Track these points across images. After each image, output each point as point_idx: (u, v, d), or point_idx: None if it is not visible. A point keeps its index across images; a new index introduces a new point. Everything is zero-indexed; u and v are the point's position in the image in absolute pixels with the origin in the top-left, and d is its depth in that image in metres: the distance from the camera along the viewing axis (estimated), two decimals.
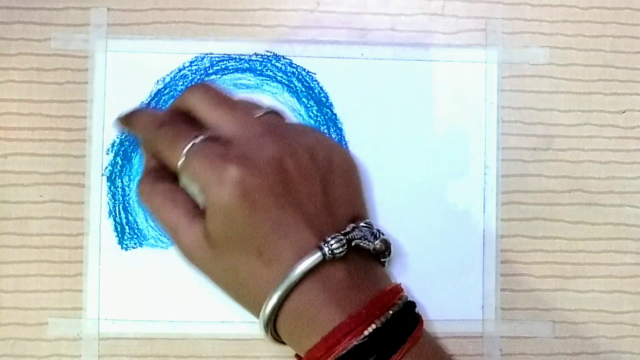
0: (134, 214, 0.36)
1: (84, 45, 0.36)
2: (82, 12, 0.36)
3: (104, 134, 0.36)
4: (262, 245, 0.28)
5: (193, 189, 0.30)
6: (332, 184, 0.30)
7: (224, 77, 0.36)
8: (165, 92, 0.36)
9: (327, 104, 0.37)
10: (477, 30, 0.37)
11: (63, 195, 0.36)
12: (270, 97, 0.36)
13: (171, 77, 0.36)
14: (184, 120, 0.31)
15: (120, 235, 0.36)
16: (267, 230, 0.28)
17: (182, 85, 0.36)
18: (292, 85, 0.36)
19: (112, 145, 0.36)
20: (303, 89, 0.36)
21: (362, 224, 0.30)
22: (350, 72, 0.37)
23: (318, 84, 0.37)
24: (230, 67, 0.36)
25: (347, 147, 0.36)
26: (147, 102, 0.36)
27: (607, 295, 0.37)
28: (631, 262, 0.37)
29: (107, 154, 0.36)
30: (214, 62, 0.36)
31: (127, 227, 0.36)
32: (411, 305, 0.30)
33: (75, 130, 0.36)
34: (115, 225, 0.36)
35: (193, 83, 0.36)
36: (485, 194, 0.36)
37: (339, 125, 0.36)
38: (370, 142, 0.36)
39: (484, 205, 0.36)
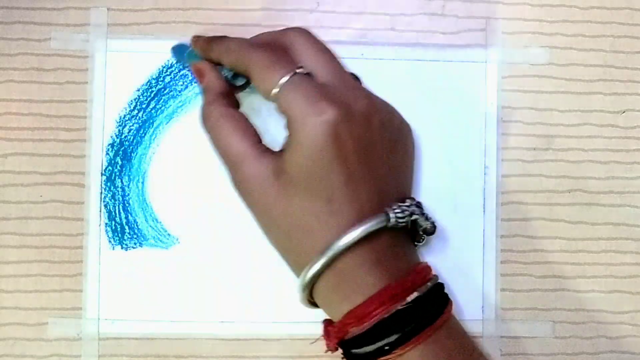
0: (133, 214, 0.36)
1: (83, 45, 0.36)
2: (82, 12, 0.36)
3: (103, 134, 0.36)
4: (334, 193, 0.29)
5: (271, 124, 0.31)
6: (397, 154, 0.31)
7: None
8: (165, 92, 0.36)
9: None
10: (477, 30, 0.37)
11: (63, 195, 0.36)
12: None
13: (171, 77, 0.36)
14: (280, 49, 0.31)
15: (120, 235, 0.36)
16: (343, 178, 0.29)
17: (182, 85, 0.36)
18: None
19: (112, 145, 0.36)
20: None
21: (415, 202, 0.31)
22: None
23: None
24: None
25: None
26: (147, 102, 0.36)
27: (607, 295, 0.37)
28: (631, 262, 0.37)
29: (107, 154, 0.36)
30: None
31: (127, 227, 0.36)
32: (442, 285, 0.31)
33: (75, 130, 0.36)
34: (115, 225, 0.36)
35: (193, 83, 0.36)
36: (485, 194, 0.36)
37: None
38: None
39: (484, 205, 0.36)
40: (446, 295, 0.31)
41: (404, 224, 0.29)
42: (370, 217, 0.29)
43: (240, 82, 0.33)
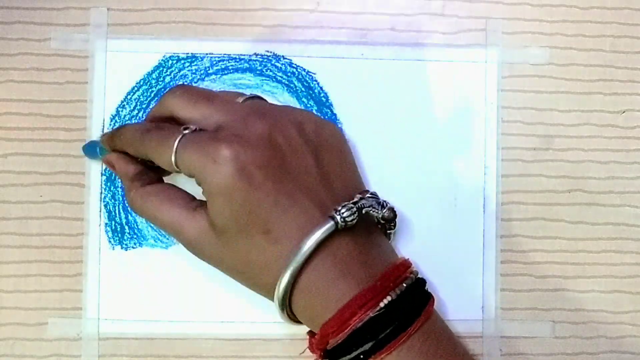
0: (133, 214, 0.36)
1: (83, 45, 0.36)
2: (82, 12, 0.36)
3: (103, 133, 0.36)
4: (266, 223, 0.28)
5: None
6: (324, 158, 0.30)
7: (224, 77, 0.36)
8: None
9: (327, 104, 0.37)
10: (477, 30, 0.37)
11: (63, 195, 0.36)
12: (270, 97, 0.36)
13: (171, 77, 0.36)
14: (167, 123, 0.31)
15: (120, 235, 0.36)
16: (268, 206, 0.28)
17: None
18: (292, 85, 0.36)
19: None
20: (303, 89, 0.36)
21: (367, 195, 0.30)
22: (350, 72, 0.37)
23: (318, 84, 0.37)
24: (230, 67, 0.36)
25: None
26: (147, 102, 0.36)
27: (607, 295, 0.36)
28: (631, 262, 0.37)
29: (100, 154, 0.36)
30: (214, 62, 0.36)
31: (126, 227, 0.36)
32: (422, 281, 0.30)
33: (75, 130, 0.36)
34: (115, 225, 0.36)
35: (193, 83, 0.36)
36: (485, 194, 0.36)
37: (339, 125, 0.36)
38: (370, 142, 0.36)
39: (484, 205, 0.36)
40: (426, 292, 0.30)
41: (353, 221, 0.28)
42: (317, 226, 0.28)
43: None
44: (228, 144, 0.28)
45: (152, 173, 0.33)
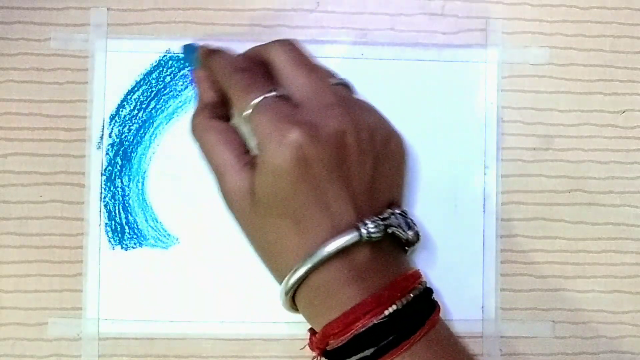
0: (133, 214, 0.36)
1: (83, 45, 0.36)
2: (82, 12, 0.36)
3: (103, 133, 0.36)
4: (300, 214, 0.29)
5: (251, 140, 0.30)
6: (382, 168, 0.31)
7: None
8: (165, 92, 0.36)
9: None
10: (477, 30, 0.37)
11: (63, 195, 0.36)
12: None
13: (171, 77, 0.36)
14: (261, 69, 0.31)
15: (120, 235, 0.36)
16: (310, 200, 0.28)
17: (182, 85, 0.36)
18: None
19: (112, 145, 0.36)
20: None
21: (398, 211, 0.30)
22: (350, 72, 0.37)
23: None
24: None
25: None
26: (147, 102, 0.36)
27: (607, 295, 0.36)
28: (631, 262, 0.37)
29: (98, 148, 0.36)
30: None
31: (126, 227, 0.36)
32: (429, 291, 0.30)
33: (75, 130, 0.36)
34: (115, 226, 0.36)
35: (192, 83, 0.36)
36: (485, 194, 0.36)
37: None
38: None
39: (483, 205, 0.36)
40: (433, 302, 0.30)
41: (378, 238, 0.29)
42: (342, 233, 0.28)
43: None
44: (300, 129, 0.28)
45: (225, 109, 0.33)
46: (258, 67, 0.32)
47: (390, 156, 0.31)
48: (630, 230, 0.37)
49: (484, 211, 0.36)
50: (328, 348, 0.29)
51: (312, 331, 0.31)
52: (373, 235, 0.28)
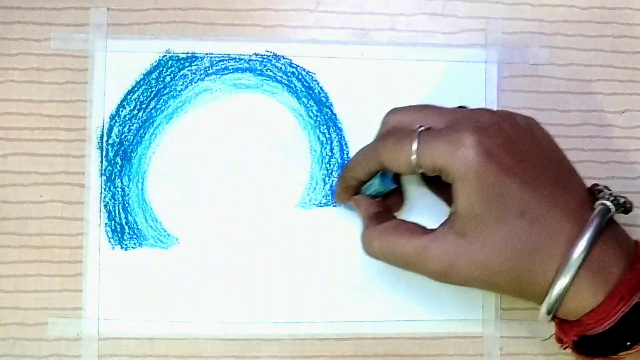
0: (133, 214, 0.36)
1: (83, 45, 0.36)
2: (82, 12, 0.36)
3: (103, 133, 0.36)
4: (518, 206, 0.28)
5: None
6: (548, 151, 0.31)
7: (224, 77, 0.36)
8: (165, 92, 0.36)
9: (327, 104, 0.37)
10: (477, 30, 0.37)
11: (63, 195, 0.36)
12: (270, 97, 0.36)
13: (171, 77, 0.36)
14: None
15: (120, 235, 0.36)
16: (517, 187, 0.28)
17: (182, 85, 0.36)
18: (292, 85, 0.36)
19: (112, 145, 0.36)
20: (303, 89, 0.36)
21: (597, 186, 0.30)
22: (350, 72, 0.37)
23: (318, 84, 0.37)
24: (230, 67, 0.36)
25: (347, 147, 0.36)
26: (147, 102, 0.36)
27: None
28: None
29: (98, 148, 0.36)
30: (214, 62, 0.36)
31: (126, 227, 0.36)
32: None
33: (75, 130, 0.36)
34: (114, 226, 0.36)
35: (193, 83, 0.36)
36: None
37: (339, 125, 0.36)
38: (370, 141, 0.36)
39: None
40: None
41: (620, 208, 0.29)
42: (582, 212, 0.28)
43: (389, 187, 0.33)
44: (469, 131, 0.28)
45: (387, 213, 0.33)
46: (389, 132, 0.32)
47: (543, 141, 0.31)
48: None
49: None
50: (587, 334, 0.28)
51: (560, 321, 0.30)
52: (617, 206, 0.29)
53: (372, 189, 0.33)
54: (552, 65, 0.37)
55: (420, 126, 0.30)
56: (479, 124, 0.29)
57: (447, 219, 0.30)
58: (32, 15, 0.36)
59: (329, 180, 0.36)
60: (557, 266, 0.28)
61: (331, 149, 0.36)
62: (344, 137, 0.36)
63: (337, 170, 0.36)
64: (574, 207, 0.29)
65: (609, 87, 0.37)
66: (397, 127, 0.31)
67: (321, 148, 0.36)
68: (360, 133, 0.36)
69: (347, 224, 0.36)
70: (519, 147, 0.29)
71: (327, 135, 0.36)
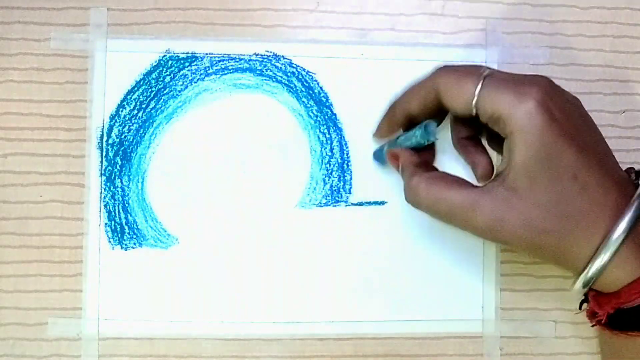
0: (133, 214, 0.36)
1: (83, 45, 0.36)
2: (82, 12, 0.36)
3: (103, 133, 0.36)
4: (573, 167, 0.28)
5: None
6: (588, 124, 0.30)
7: (224, 77, 0.36)
8: (165, 91, 0.36)
9: (327, 103, 0.37)
10: (477, 30, 0.37)
11: (63, 195, 0.36)
12: (270, 97, 0.36)
13: (171, 77, 0.36)
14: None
15: (119, 235, 0.36)
16: (574, 149, 0.28)
17: (182, 85, 0.36)
18: (292, 85, 0.36)
19: (112, 145, 0.36)
20: (303, 89, 0.36)
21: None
22: (350, 72, 0.37)
23: (318, 84, 0.37)
24: (230, 67, 0.36)
25: (347, 147, 0.36)
26: (147, 102, 0.36)
27: None
28: None
29: (98, 148, 0.36)
30: (214, 62, 0.36)
31: (126, 227, 0.36)
32: None
33: (75, 130, 0.36)
34: (114, 226, 0.36)
35: (192, 83, 0.36)
36: None
37: (339, 125, 0.36)
38: (370, 142, 0.36)
39: None
40: None
41: None
42: (626, 186, 0.29)
43: (432, 138, 0.32)
44: (535, 88, 0.28)
45: (429, 163, 0.33)
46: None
47: (587, 115, 0.31)
48: None
49: None
50: (625, 307, 0.28)
51: (596, 292, 0.29)
52: None
53: (413, 140, 0.32)
54: (552, 65, 0.37)
55: (487, 68, 0.29)
56: (544, 84, 0.28)
57: (497, 174, 0.29)
58: (32, 15, 0.36)
59: (329, 180, 0.36)
60: (600, 238, 0.28)
61: (331, 149, 0.36)
62: (344, 137, 0.36)
63: (337, 170, 0.36)
64: (618, 181, 0.29)
65: (609, 87, 0.37)
66: (457, 67, 0.31)
67: (321, 148, 0.36)
68: (360, 133, 0.36)
69: (347, 224, 0.36)
70: (574, 116, 0.29)
71: (327, 135, 0.36)
